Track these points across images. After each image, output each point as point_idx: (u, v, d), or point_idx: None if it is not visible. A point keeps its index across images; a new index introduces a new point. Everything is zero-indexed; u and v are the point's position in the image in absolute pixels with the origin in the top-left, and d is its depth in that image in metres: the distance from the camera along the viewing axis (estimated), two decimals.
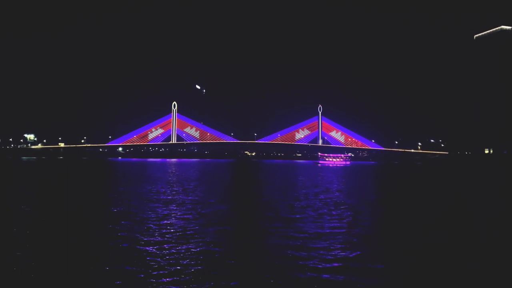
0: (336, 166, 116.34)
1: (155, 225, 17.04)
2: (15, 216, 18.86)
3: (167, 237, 14.71)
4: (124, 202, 23.99)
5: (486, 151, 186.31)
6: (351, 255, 12.57)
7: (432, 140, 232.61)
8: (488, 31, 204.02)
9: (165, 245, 13.48)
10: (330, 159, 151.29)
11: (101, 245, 13.37)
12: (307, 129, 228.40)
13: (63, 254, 12.33)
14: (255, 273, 10.88)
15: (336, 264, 11.59)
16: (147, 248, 13.06)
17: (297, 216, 19.89)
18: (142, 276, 10.35)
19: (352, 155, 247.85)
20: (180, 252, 12.63)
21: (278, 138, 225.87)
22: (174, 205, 23.16)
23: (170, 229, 16.28)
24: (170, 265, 11.20)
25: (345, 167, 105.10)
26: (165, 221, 17.91)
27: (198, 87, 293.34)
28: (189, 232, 15.60)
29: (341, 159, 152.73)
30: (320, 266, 11.33)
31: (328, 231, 16.29)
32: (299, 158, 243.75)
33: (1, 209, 21.17)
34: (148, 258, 11.84)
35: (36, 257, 12.04)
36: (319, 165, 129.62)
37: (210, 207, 22.76)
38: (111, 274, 10.50)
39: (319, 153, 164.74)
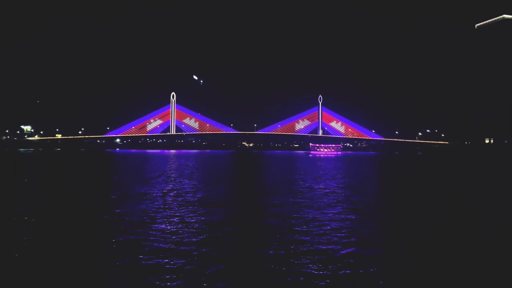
0: (328, 156, 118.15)
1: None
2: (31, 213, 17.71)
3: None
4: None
5: (487, 141, 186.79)
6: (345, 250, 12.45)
7: (428, 130, 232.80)
8: (489, 20, 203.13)
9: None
10: (321, 150, 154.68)
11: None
12: (307, 119, 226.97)
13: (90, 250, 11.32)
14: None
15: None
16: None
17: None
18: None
19: (350, 144, 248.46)
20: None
21: (278, 129, 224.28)
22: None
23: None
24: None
25: (336, 158, 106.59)
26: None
27: (195, 77, 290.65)
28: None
29: (332, 149, 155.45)
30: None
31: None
32: (297, 148, 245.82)
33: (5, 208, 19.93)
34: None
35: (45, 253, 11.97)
36: (310, 155, 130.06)
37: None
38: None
39: (311, 144, 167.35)
